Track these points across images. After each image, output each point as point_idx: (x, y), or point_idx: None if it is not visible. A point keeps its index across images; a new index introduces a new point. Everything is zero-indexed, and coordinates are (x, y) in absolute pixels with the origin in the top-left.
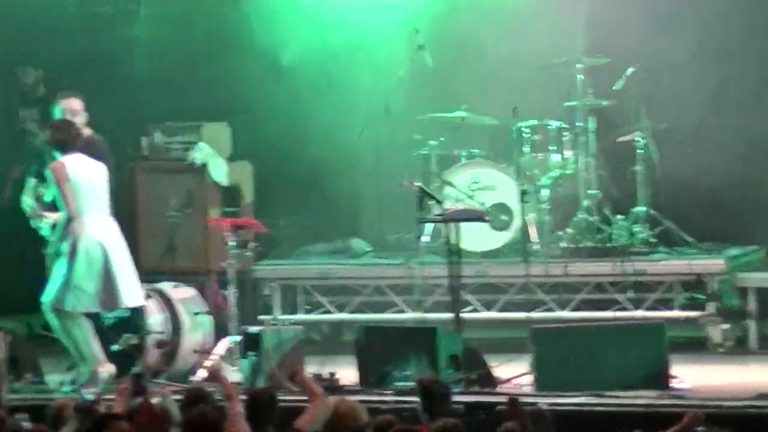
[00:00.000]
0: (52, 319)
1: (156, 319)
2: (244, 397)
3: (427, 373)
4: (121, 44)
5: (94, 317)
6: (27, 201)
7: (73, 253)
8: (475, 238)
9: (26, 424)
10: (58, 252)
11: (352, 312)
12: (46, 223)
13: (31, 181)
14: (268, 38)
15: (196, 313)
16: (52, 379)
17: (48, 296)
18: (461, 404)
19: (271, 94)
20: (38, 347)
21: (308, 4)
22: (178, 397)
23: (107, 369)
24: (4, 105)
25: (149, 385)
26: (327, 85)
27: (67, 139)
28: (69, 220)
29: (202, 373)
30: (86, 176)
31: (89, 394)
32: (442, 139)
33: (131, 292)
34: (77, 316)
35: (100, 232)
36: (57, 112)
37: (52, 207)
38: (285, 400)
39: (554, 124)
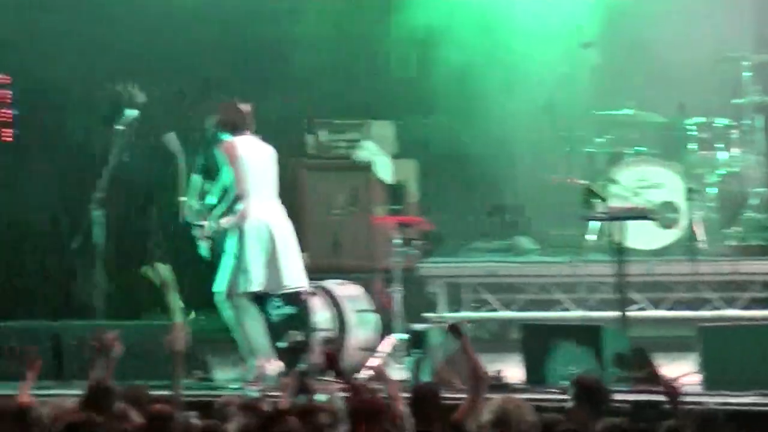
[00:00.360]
0: (226, 310)
1: (322, 317)
2: (408, 395)
3: (586, 374)
4: (286, 40)
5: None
6: (192, 201)
7: (242, 233)
8: (642, 236)
9: (195, 421)
10: (224, 233)
11: (518, 310)
12: (205, 234)
13: (197, 179)
14: (431, 36)
15: (362, 311)
16: (221, 375)
17: (221, 284)
18: (627, 403)
19: (435, 91)
20: (208, 344)
21: (473, 2)
22: (344, 394)
23: (274, 366)
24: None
25: (315, 383)
26: (492, 82)
27: (235, 120)
28: (237, 200)
29: (367, 371)
30: (256, 157)
31: (254, 390)
32: (608, 136)
33: (295, 274)
34: (250, 305)
35: (267, 214)
36: None
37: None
38: (449, 398)
39: (721, 121)
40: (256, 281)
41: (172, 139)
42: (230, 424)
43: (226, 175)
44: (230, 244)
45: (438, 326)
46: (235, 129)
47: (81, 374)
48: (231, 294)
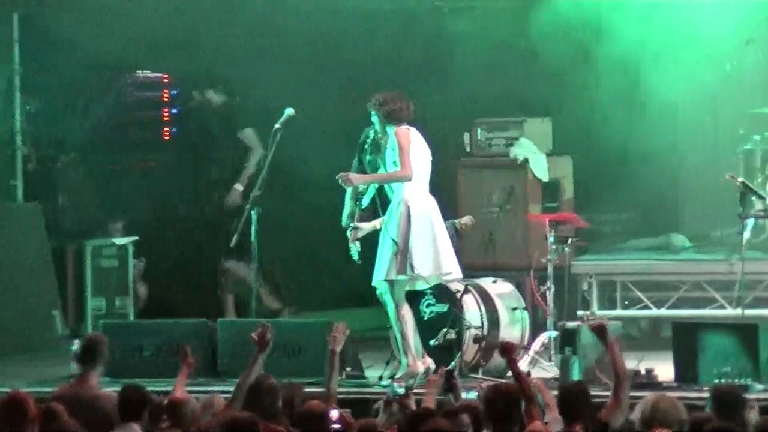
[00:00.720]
0: (389, 301)
1: (474, 314)
2: (557, 393)
3: (724, 383)
4: (444, 38)
5: (413, 312)
6: (347, 202)
7: (407, 218)
8: None
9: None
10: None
11: (671, 308)
12: (357, 237)
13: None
14: (589, 35)
15: (514, 309)
16: (372, 373)
17: (383, 272)
18: None
19: (590, 89)
20: (361, 342)
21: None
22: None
23: (425, 364)
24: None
25: (465, 381)
26: (651, 79)
27: (401, 111)
28: (402, 184)
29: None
30: (420, 148)
31: (400, 387)
32: (767, 133)
33: (453, 262)
34: (404, 300)
35: (428, 202)
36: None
37: (369, 215)
38: (598, 396)
39: None
40: (420, 266)
41: (248, 135)
42: (378, 419)
43: (392, 161)
44: (392, 230)
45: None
46: (402, 119)
47: (234, 372)
48: (393, 281)
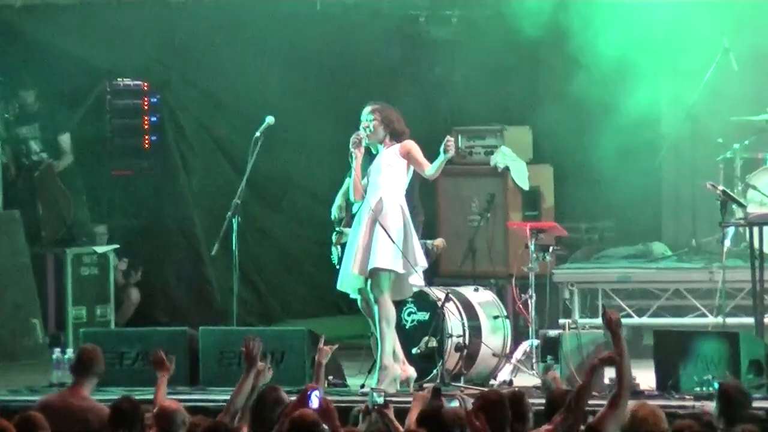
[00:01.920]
0: (376, 294)
1: (455, 323)
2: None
3: (730, 379)
4: (423, 47)
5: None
6: (339, 203)
7: (403, 219)
8: None
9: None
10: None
11: (652, 316)
12: (341, 242)
13: (347, 182)
14: (570, 44)
15: (496, 317)
16: (354, 382)
17: (381, 261)
18: (762, 410)
19: (570, 98)
20: (340, 350)
21: (616, 6)
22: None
23: (406, 372)
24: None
25: (446, 389)
26: (629, 86)
27: (404, 131)
28: (400, 190)
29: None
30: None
31: (379, 396)
32: (746, 142)
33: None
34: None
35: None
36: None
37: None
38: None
39: None
40: (420, 263)
41: (65, 140)
42: (359, 428)
43: (387, 163)
44: (391, 228)
45: (571, 332)
46: (401, 138)
47: (215, 381)
48: (386, 273)
